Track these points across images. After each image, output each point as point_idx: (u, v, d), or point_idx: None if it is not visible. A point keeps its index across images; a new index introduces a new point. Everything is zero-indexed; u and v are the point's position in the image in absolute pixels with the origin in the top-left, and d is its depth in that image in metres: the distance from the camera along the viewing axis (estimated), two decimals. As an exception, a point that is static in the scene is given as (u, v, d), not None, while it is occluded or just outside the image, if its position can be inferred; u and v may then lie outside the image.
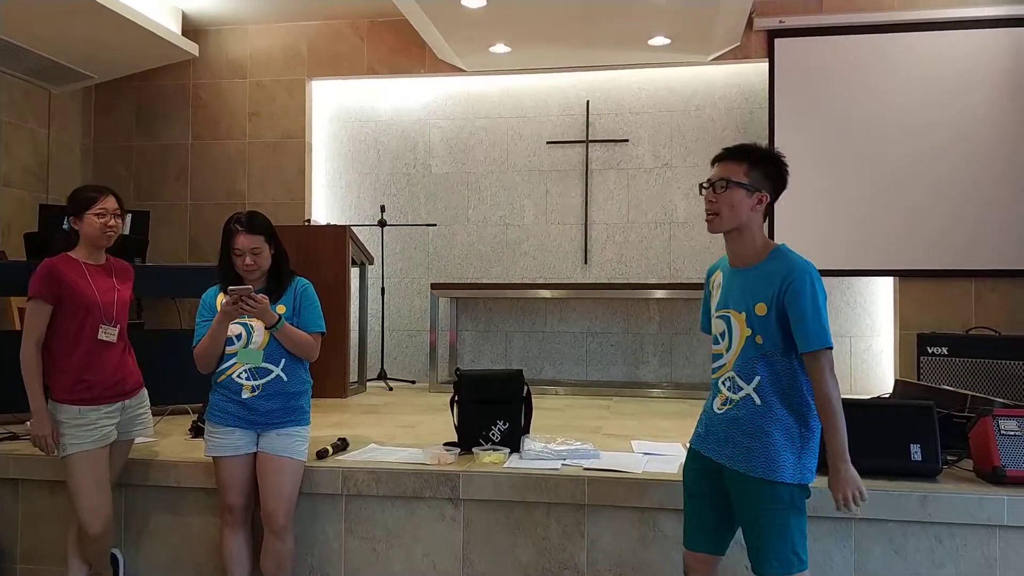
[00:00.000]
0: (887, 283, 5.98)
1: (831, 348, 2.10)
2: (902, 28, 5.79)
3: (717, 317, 2.25)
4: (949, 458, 2.99)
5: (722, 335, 2.22)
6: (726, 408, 2.20)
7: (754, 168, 2.17)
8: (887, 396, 4.01)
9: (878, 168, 5.80)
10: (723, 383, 2.22)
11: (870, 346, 6.01)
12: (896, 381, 4.12)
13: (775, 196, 2.22)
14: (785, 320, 2.10)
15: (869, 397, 4.21)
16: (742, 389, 2.16)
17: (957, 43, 5.72)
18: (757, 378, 2.14)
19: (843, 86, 5.86)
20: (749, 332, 2.15)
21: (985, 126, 5.67)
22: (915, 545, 2.74)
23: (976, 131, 5.68)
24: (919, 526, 2.73)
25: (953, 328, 5.39)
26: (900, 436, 2.86)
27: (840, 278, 5.99)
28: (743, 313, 2.16)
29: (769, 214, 2.23)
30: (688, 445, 2.37)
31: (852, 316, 6.04)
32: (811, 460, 2.17)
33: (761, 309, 2.12)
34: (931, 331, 5.13)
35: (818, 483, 2.78)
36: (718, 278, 2.30)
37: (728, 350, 2.21)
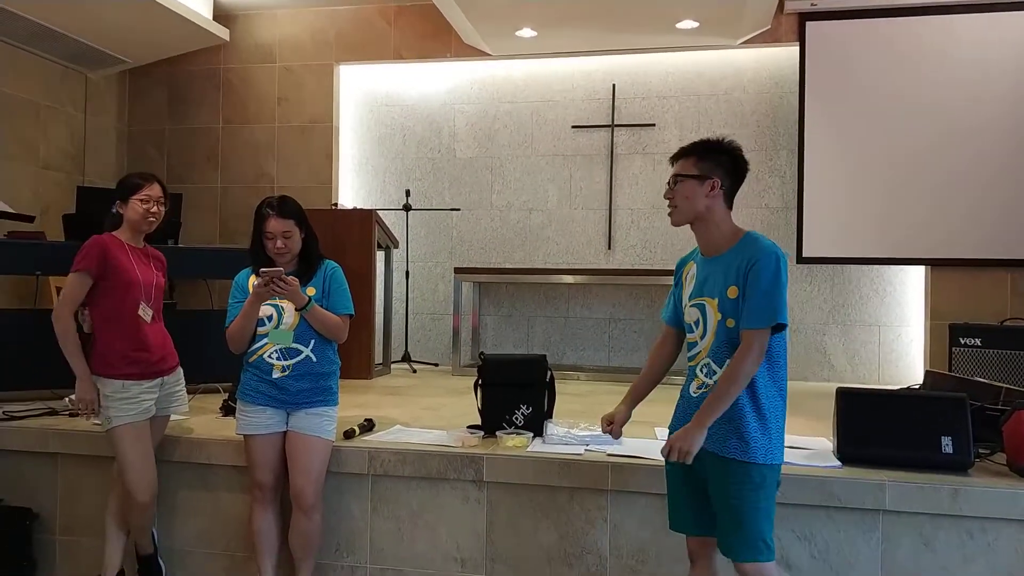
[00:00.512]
0: (918, 272, 5.89)
1: (782, 326, 2.15)
2: (937, 10, 5.66)
3: (691, 306, 2.31)
4: (982, 451, 2.94)
5: (696, 323, 2.29)
6: (701, 392, 2.26)
7: (702, 159, 2.28)
8: (917, 387, 3.96)
9: (911, 154, 5.70)
10: (700, 369, 2.29)
11: (899, 335, 5.93)
12: (927, 372, 4.06)
13: (733, 182, 2.30)
14: None
15: (899, 387, 4.17)
16: (716, 373, 2.22)
17: (993, 25, 5.58)
18: (728, 361, 2.19)
19: (876, 70, 5.76)
20: (720, 317, 2.21)
21: (1022, 110, 5.53)
22: (945, 539, 2.71)
23: (1013, 116, 5.54)
24: (949, 519, 2.70)
25: (987, 320, 5.28)
26: (931, 428, 2.83)
27: (870, 266, 5.91)
28: (716, 299, 2.23)
29: (731, 199, 2.31)
30: (668, 430, 2.44)
31: (882, 305, 5.96)
32: (778, 440, 2.23)
33: (733, 292, 2.19)
34: (964, 322, 5.04)
35: (847, 473, 2.80)
36: (691, 269, 2.36)
37: (703, 337, 2.27)
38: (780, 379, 2.23)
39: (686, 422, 2.29)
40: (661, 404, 2.67)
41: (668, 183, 2.33)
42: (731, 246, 2.24)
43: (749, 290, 2.14)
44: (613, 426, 2.52)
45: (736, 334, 2.18)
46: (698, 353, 2.29)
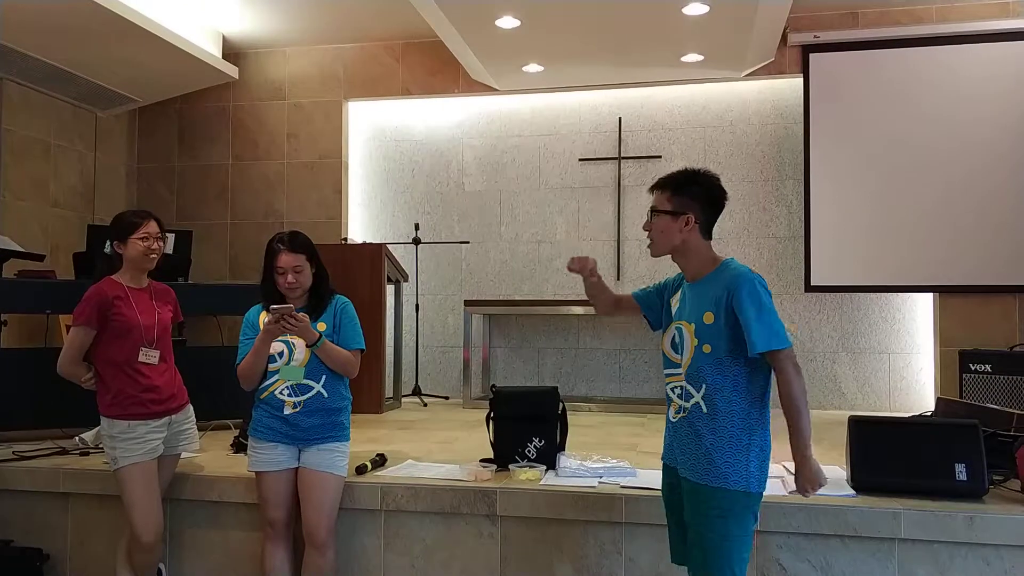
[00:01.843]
0: (926, 299, 5.88)
1: (783, 348, 2.13)
2: (940, 41, 5.72)
3: (674, 326, 2.33)
4: (995, 478, 2.93)
5: (677, 346, 2.30)
6: (680, 417, 2.28)
7: (677, 193, 2.28)
8: (929, 414, 3.94)
9: (916, 182, 5.72)
10: (673, 390, 2.30)
11: (909, 363, 5.90)
12: (938, 399, 4.05)
13: (710, 215, 2.29)
14: (734, 327, 2.16)
15: (910, 415, 4.15)
16: (692, 397, 2.23)
17: (996, 55, 5.64)
18: (704, 386, 2.20)
19: (880, 100, 5.81)
20: (697, 342, 2.22)
21: (1026, 139, 5.57)
22: (962, 567, 2.69)
23: (1017, 144, 5.57)
24: (966, 547, 2.68)
25: (996, 346, 5.27)
26: (945, 456, 2.83)
27: (878, 294, 5.91)
28: (692, 324, 2.24)
29: (710, 230, 2.31)
30: (661, 460, 2.43)
31: (891, 332, 5.95)
32: (757, 468, 2.18)
33: (708, 318, 2.20)
34: (973, 348, 5.03)
35: (861, 502, 2.78)
36: (680, 291, 2.37)
37: (682, 360, 2.28)
38: (764, 406, 2.21)
39: (672, 448, 2.32)
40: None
41: (647, 214, 2.35)
42: (708, 273, 2.27)
43: (742, 319, 2.13)
44: (589, 266, 2.47)
45: (714, 358, 2.18)
46: (675, 375, 2.29)
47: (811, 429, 2.15)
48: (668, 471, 2.36)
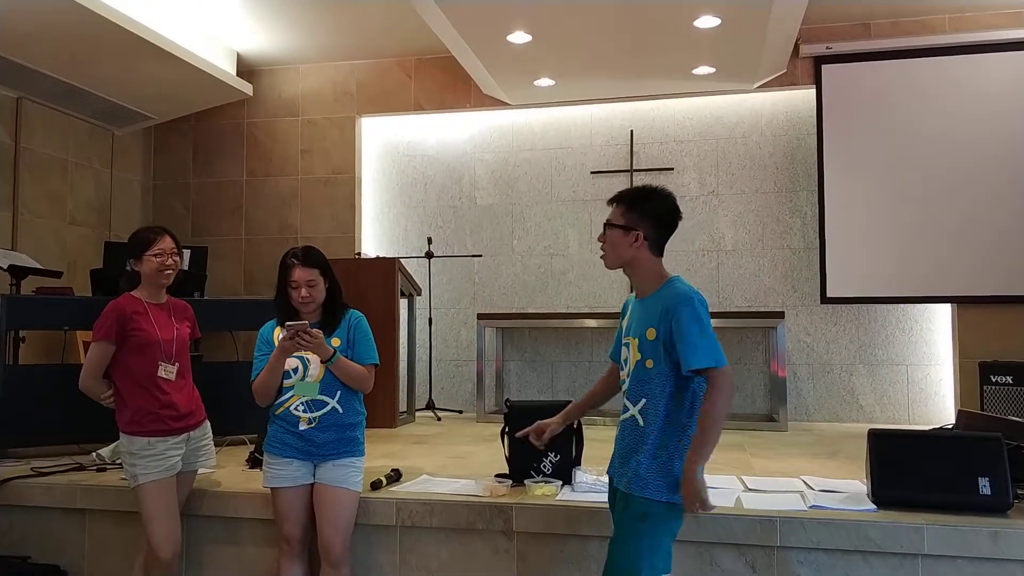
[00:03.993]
0: (945, 310, 5.82)
1: (723, 367, 2.15)
2: (954, 51, 5.69)
3: (624, 344, 2.39)
4: (1020, 492, 2.88)
5: (625, 361, 2.37)
6: (618, 430, 2.37)
7: (630, 209, 2.33)
8: (950, 427, 3.89)
9: (931, 192, 5.68)
10: (622, 406, 2.35)
11: (928, 375, 5.84)
12: (959, 411, 3.99)
13: (662, 233, 2.32)
14: (671, 344, 2.20)
15: (931, 428, 4.09)
16: (628, 411, 2.30)
17: (1008, 64, 5.61)
18: (643, 400, 2.25)
19: (893, 111, 5.78)
20: (639, 357, 2.27)
21: (1042, 147, 5.52)
22: (987, 583, 2.64)
23: (1033, 153, 5.53)
24: (991, 563, 2.64)
25: (1017, 357, 5.19)
26: (967, 469, 2.79)
27: (895, 305, 5.86)
28: (636, 339, 2.29)
29: (660, 248, 2.33)
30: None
31: (909, 344, 5.89)
32: (677, 481, 2.21)
33: (651, 334, 2.25)
34: (994, 359, 4.96)
35: (882, 517, 2.74)
36: (629, 309, 2.43)
37: (628, 376, 2.33)
38: (692, 422, 2.21)
39: (613, 461, 2.38)
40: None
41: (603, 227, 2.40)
42: (655, 290, 2.30)
43: (679, 334, 2.16)
44: (545, 435, 2.65)
45: (654, 373, 2.22)
46: (625, 391, 2.35)
47: (712, 451, 2.17)
48: (611, 482, 2.42)
